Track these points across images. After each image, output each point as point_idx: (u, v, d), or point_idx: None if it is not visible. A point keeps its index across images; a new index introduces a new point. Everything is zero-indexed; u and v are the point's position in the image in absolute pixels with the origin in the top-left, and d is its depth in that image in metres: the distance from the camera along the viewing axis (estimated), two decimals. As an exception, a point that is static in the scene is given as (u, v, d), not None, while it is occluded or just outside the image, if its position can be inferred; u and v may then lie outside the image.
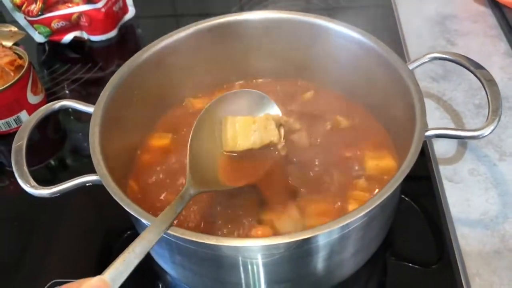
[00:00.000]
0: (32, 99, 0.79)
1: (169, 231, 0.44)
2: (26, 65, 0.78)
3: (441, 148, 0.70)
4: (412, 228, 0.63)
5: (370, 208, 0.44)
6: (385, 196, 0.44)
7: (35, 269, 0.61)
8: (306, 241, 0.44)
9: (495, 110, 0.53)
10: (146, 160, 0.64)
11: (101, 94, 0.57)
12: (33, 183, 0.50)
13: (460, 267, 0.57)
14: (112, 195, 0.47)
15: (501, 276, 0.55)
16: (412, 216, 0.64)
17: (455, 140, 0.71)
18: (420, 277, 0.58)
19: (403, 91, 0.56)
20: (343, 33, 0.64)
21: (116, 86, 0.59)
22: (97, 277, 0.38)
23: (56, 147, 0.80)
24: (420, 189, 0.67)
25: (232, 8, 1.01)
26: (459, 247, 0.59)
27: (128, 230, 0.63)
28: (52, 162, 0.78)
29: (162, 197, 0.59)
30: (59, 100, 0.58)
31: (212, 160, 0.55)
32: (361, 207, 0.44)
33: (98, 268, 0.53)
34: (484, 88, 0.55)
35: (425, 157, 0.70)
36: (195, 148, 0.53)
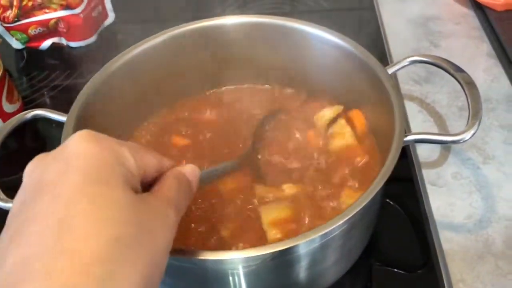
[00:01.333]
0: (8, 107, 0.78)
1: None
2: (0, 73, 0.76)
3: (424, 152, 0.70)
4: (397, 233, 0.63)
5: (350, 216, 0.43)
6: (364, 203, 0.43)
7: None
8: (286, 251, 0.43)
9: (475, 113, 0.52)
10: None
11: (74, 103, 0.56)
12: (2, 195, 0.49)
13: (443, 273, 0.57)
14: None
15: (484, 282, 0.55)
16: (396, 221, 0.64)
17: (439, 144, 0.70)
18: (406, 282, 0.58)
19: (383, 95, 0.55)
20: (323, 37, 0.63)
21: (89, 94, 0.58)
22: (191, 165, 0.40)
23: (34, 156, 0.78)
24: (404, 193, 0.66)
25: (213, 13, 1.00)
26: (443, 252, 0.58)
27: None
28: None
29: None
30: (31, 110, 0.57)
31: None
32: (341, 215, 0.43)
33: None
34: (464, 91, 0.55)
35: (408, 160, 0.70)
36: None
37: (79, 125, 0.54)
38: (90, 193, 0.30)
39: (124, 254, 0.29)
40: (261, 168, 0.60)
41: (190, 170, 0.40)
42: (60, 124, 0.79)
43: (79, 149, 0.32)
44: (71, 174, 0.30)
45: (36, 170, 0.33)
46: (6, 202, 0.48)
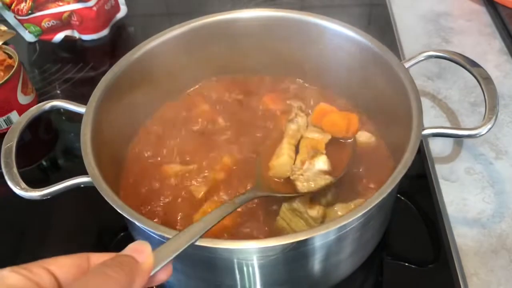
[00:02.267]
0: (23, 99, 0.78)
1: (163, 234, 0.43)
2: (16, 65, 0.76)
3: (437, 147, 0.70)
4: (409, 228, 0.63)
5: (368, 209, 0.43)
6: (382, 196, 0.44)
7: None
8: (303, 242, 0.43)
9: (492, 108, 0.52)
10: (139, 160, 0.63)
11: (93, 94, 0.56)
12: (23, 185, 0.49)
13: (457, 267, 0.57)
14: (105, 197, 0.46)
15: (498, 276, 0.55)
16: (408, 216, 0.64)
17: (451, 139, 0.70)
18: (417, 277, 0.58)
19: (399, 89, 0.55)
20: (339, 31, 0.63)
21: (107, 86, 0.58)
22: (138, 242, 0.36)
23: (48, 148, 0.79)
24: (416, 188, 0.67)
25: (224, 6, 1.00)
26: (456, 247, 0.58)
27: (122, 231, 0.62)
28: (44, 163, 0.76)
29: (156, 197, 0.58)
30: (49, 101, 0.57)
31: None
32: (358, 208, 0.43)
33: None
34: (481, 86, 0.55)
35: (421, 156, 0.70)
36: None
37: (97, 116, 0.55)
38: None
39: None
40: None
41: (132, 247, 0.36)
42: (72, 118, 0.81)
43: None
44: None
45: None
46: (27, 191, 0.49)
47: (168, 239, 0.43)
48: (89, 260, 0.35)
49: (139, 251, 0.35)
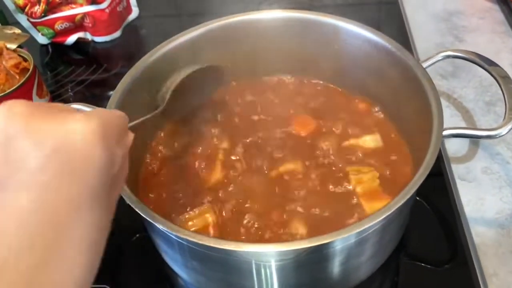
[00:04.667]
0: (38, 102, 0.79)
1: (182, 236, 0.43)
2: (31, 67, 0.77)
3: (453, 147, 0.70)
4: (425, 228, 0.63)
5: (389, 212, 0.43)
6: (405, 199, 0.44)
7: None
8: (323, 246, 0.43)
9: (511, 108, 0.52)
10: (156, 162, 0.63)
11: (112, 97, 0.57)
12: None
13: (476, 267, 0.57)
14: (126, 199, 0.46)
15: (518, 276, 0.55)
16: (425, 216, 0.64)
17: (467, 139, 0.70)
18: (435, 277, 0.58)
19: (417, 90, 0.55)
20: (354, 32, 0.63)
21: (125, 89, 0.58)
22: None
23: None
24: (433, 189, 0.66)
25: (236, 7, 1.00)
26: (475, 247, 0.58)
27: (138, 232, 0.62)
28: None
29: (176, 199, 0.58)
30: (69, 104, 0.58)
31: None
32: (380, 211, 0.43)
33: (108, 270, 0.52)
34: (500, 85, 0.55)
35: (437, 156, 0.69)
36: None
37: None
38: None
39: None
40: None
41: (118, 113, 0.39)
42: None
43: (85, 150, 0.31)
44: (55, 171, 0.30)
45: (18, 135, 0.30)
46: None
47: (189, 241, 0.44)
48: None
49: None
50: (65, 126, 0.31)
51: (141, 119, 0.50)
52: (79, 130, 0.31)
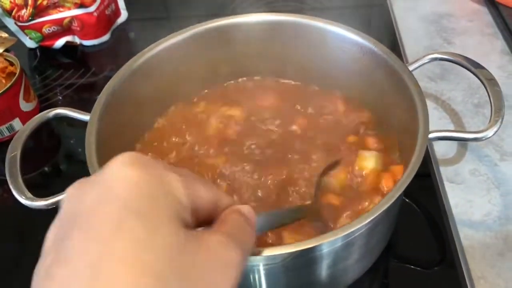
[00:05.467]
0: (25, 106, 0.78)
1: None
2: (18, 72, 0.76)
3: (441, 149, 0.70)
4: (414, 230, 0.63)
5: (375, 215, 0.43)
6: (391, 201, 0.43)
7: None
8: (309, 250, 0.43)
9: (497, 110, 0.52)
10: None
11: (96, 102, 0.56)
12: (29, 194, 0.49)
13: (464, 270, 0.57)
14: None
15: (506, 279, 0.55)
16: (413, 218, 0.64)
17: (455, 141, 0.70)
18: (423, 279, 0.58)
19: (404, 93, 0.55)
20: (342, 35, 0.63)
21: (110, 93, 0.58)
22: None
23: (51, 154, 0.79)
24: (422, 190, 0.66)
25: (225, 10, 1.00)
26: (463, 249, 0.58)
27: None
28: (47, 169, 0.76)
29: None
30: (53, 109, 0.57)
31: None
32: (366, 214, 0.43)
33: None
34: (486, 88, 0.55)
35: (425, 158, 0.69)
36: None
37: (102, 124, 0.54)
38: (130, 229, 0.25)
39: None
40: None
41: (247, 210, 0.34)
42: (73, 124, 0.80)
43: (120, 174, 0.28)
44: (109, 204, 0.26)
45: (73, 197, 0.29)
46: (32, 201, 0.49)
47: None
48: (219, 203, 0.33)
49: (254, 218, 0.34)
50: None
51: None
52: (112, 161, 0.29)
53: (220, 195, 0.33)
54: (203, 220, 0.31)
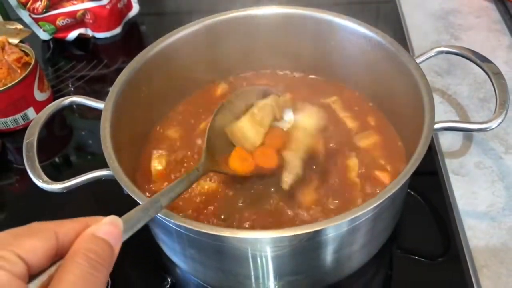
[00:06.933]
0: (39, 96, 0.80)
1: (179, 223, 0.44)
2: (32, 62, 0.78)
3: (446, 142, 0.71)
4: (418, 222, 0.64)
5: (381, 201, 0.44)
6: (396, 188, 0.45)
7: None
8: (316, 233, 0.45)
9: (502, 103, 0.53)
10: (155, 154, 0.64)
11: (111, 90, 0.58)
12: (46, 178, 0.51)
13: (468, 259, 0.58)
14: (125, 188, 0.47)
15: (508, 268, 0.56)
16: (418, 210, 0.65)
17: (461, 134, 0.71)
18: (427, 269, 0.59)
19: (410, 84, 0.56)
20: (350, 27, 0.64)
21: (125, 82, 0.59)
22: (111, 217, 0.34)
23: (62, 144, 0.80)
24: (427, 183, 0.67)
25: (234, 4, 1.01)
26: (467, 239, 0.59)
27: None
28: (57, 160, 0.77)
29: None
30: (69, 96, 0.59)
31: (226, 145, 0.57)
32: (372, 200, 0.44)
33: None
34: (491, 81, 0.56)
35: (431, 150, 0.71)
36: (214, 130, 0.56)
37: (116, 112, 0.56)
38: None
39: None
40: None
41: (107, 228, 0.33)
42: (83, 114, 0.82)
43: None
44: None
45: None
46: (49, 184, 0.50)
47: (186, 228, 0.45)
48: (58, 237, 0.32)
49: (116, 228, 0.34)
50: None
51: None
52: None
53: (64, 225, 0.32)
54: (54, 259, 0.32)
